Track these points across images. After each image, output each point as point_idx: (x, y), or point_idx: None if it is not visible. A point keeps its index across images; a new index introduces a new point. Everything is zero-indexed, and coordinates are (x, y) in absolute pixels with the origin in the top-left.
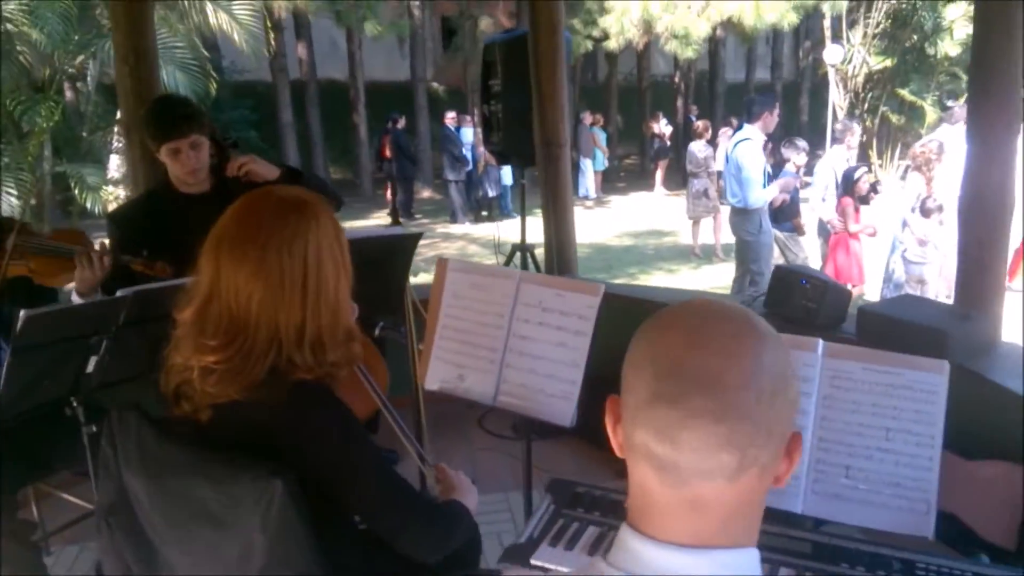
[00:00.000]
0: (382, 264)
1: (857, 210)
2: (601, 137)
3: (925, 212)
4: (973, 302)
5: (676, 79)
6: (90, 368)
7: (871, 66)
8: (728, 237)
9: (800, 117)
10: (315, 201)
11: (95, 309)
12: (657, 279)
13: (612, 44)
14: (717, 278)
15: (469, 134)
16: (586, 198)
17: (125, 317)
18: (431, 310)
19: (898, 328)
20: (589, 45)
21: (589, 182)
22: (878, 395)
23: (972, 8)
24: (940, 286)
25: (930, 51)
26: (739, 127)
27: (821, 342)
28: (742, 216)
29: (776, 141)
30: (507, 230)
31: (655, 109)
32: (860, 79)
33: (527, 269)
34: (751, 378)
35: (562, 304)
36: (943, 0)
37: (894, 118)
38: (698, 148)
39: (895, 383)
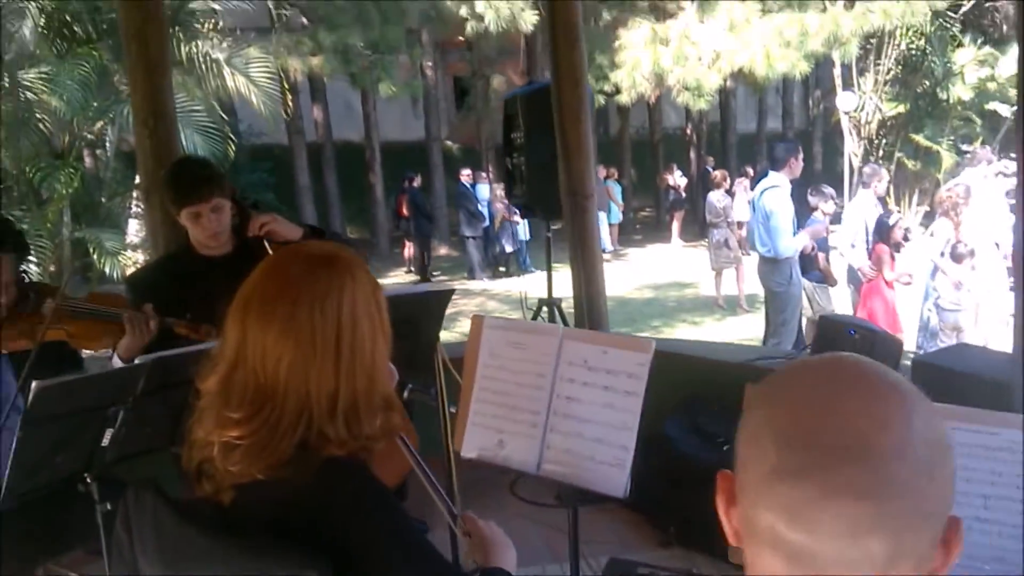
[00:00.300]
0: (413, 322)
1: (892, 258)
2: (616, 190)
3: (956, 257)
4: None
5: (688, 131)
6: (106, 441)
7: (884, 112)
8: (753, 287)
9: (814, 165)
10: (349, 257)
11: (112, 378)
12: (681, 332)
13: (624, 98)
14: (743, 329)
15: (485, 190)
16: (603, 251)
17: (144, 386)
18: (466, 371)
19: (959, 380)
20: (601, 99)
21: (605, 235)
22: (974, 458)
23: (980, 52)
24: (976, 332)
25: (942, 96)
26: (763, 174)
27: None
28: (772, 266)
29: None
30: (528, 285)
31: (668, 161)
32: (874, 125)
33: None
34: (904, 445)
35: (609, 362)
36: (952, 46)
37: (910, 164)
38: (716, 198)
39: (991, 444)
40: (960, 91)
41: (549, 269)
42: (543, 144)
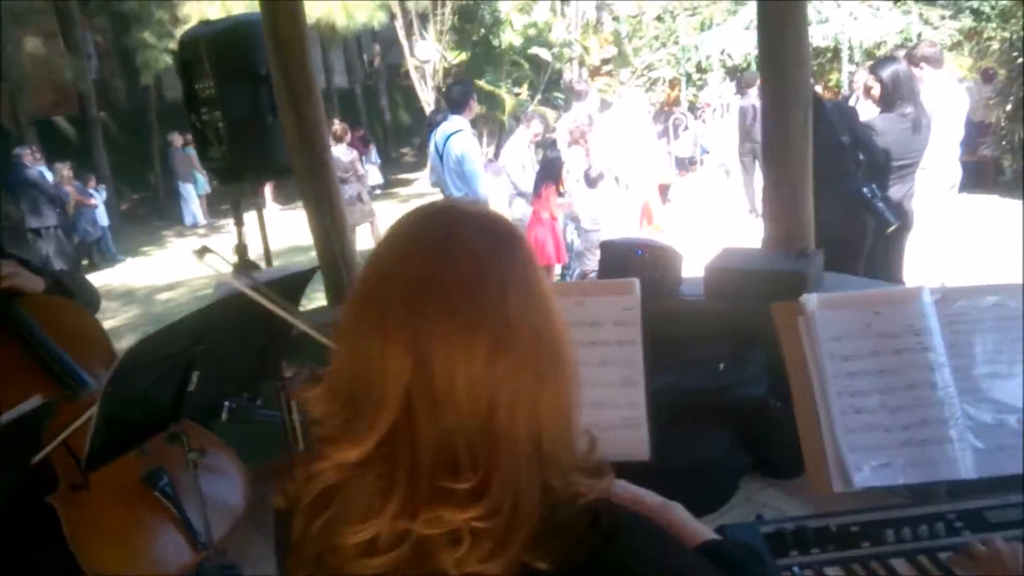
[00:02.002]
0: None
1: (559, 193)
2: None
3: (591, 182)
4: (789, 239)
5: None
6: None
7: (449, 61)
8: None
9: (384, 117)
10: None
11: None
12: None
13: None
14: None
15: (46, 172)
16: (195, 226)
17: None
18: None
19: (753, 279)
20: (168, 59)
21: (195, 208)
22: (998, 331)
23: (520, 2)
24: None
25: (495, 42)
26: (443, 119)
27: (926, 288)
28: None
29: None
30: (126, 275)
31: None
32: (440, 75)
33: None
34: None
35: (588, 314)
36: None
37: (477, 108)
38: (342, 152)
39: (1006, 315)
40: (511, 37)
41: (262, 243)
42: (242, 94)
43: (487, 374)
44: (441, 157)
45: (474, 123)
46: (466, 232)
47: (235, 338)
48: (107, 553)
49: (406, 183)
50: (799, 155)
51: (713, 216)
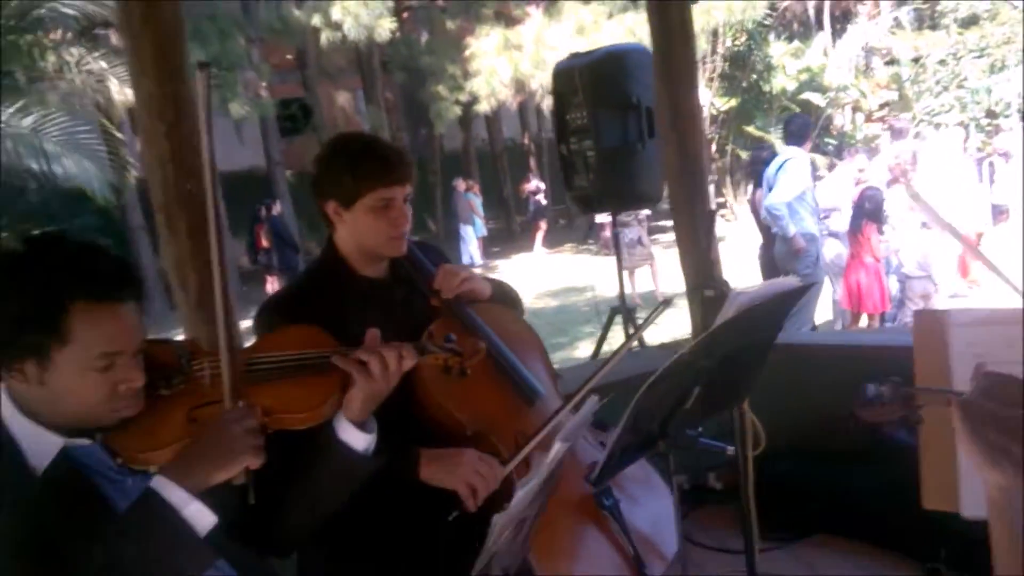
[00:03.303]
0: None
1: (880, 232)
2: (477, 203)
3: (924, 224)
4: None
5: (526, 140)
6: None
7: (718, 107)
8: (666, 284)
9: None
10: None
11: None
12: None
13: (484, 106)
14: (678, 326)
15: None
16: (472, 265)
17: None
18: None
19: None
20: (457, 110)
21: (472, 249)
22: None
23: (791, 47)
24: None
25: (766, 88)
26: (771, 156)
27: None
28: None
29: None
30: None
31: (514, 171)
32: (708, 120)
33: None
34: None
35: None
36: (767, 41)
37: (744, 154)
38: None
39: None
40: (783, 82)
41: (620, 270)
42: (613, 122)
43: None
44: (771, 190)
45: (740, 169)
46: None
47: (729, 359)
48: (559, 565)
49: (663, 230)
50: None
51: None
